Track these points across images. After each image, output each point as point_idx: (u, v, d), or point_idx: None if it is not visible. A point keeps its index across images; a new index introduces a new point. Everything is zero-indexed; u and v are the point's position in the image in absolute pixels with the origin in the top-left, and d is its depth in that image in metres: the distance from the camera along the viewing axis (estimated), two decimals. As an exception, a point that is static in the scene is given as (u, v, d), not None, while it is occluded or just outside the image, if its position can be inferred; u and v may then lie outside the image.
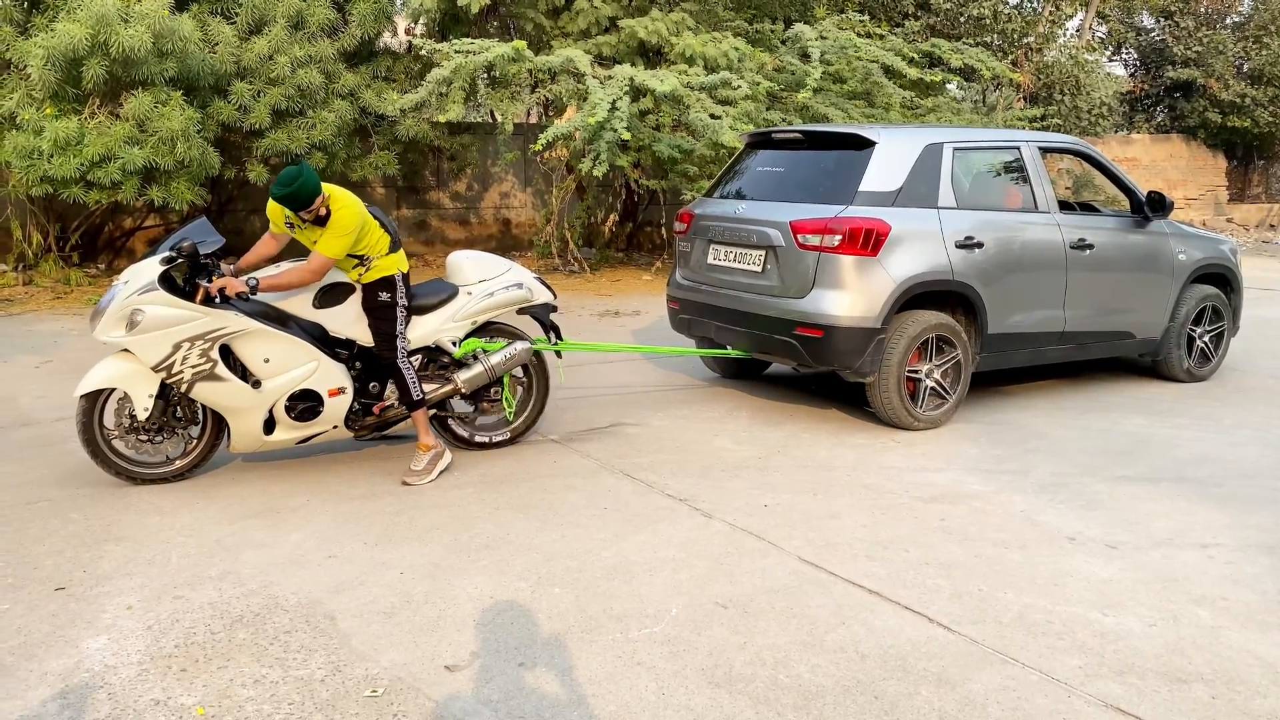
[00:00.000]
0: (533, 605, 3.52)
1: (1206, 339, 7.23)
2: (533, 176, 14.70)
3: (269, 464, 5.07)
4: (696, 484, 4.83)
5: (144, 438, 4.67)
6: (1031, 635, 3.34)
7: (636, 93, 10.64)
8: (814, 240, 5.64)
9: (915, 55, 12.73)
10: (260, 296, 4.61)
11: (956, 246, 5.82)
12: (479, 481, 4.85)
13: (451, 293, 5.13)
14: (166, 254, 4.48)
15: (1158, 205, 6.76)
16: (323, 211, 4.52)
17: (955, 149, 6.03)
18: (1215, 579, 3.82)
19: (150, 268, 4.48)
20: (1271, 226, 21.92)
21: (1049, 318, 6.27)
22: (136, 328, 4.42)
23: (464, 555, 3.95)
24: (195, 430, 4.79)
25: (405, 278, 4.86)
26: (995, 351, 6.13)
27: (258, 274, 4.63)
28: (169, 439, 4.74)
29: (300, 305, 4.75)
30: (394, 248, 4.81)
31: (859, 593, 3.66)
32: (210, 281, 4.48)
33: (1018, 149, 6.37)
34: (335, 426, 4.86)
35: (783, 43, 13.01)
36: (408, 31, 13.35)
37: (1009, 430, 5.89)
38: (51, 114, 9.17)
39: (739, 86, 10.59)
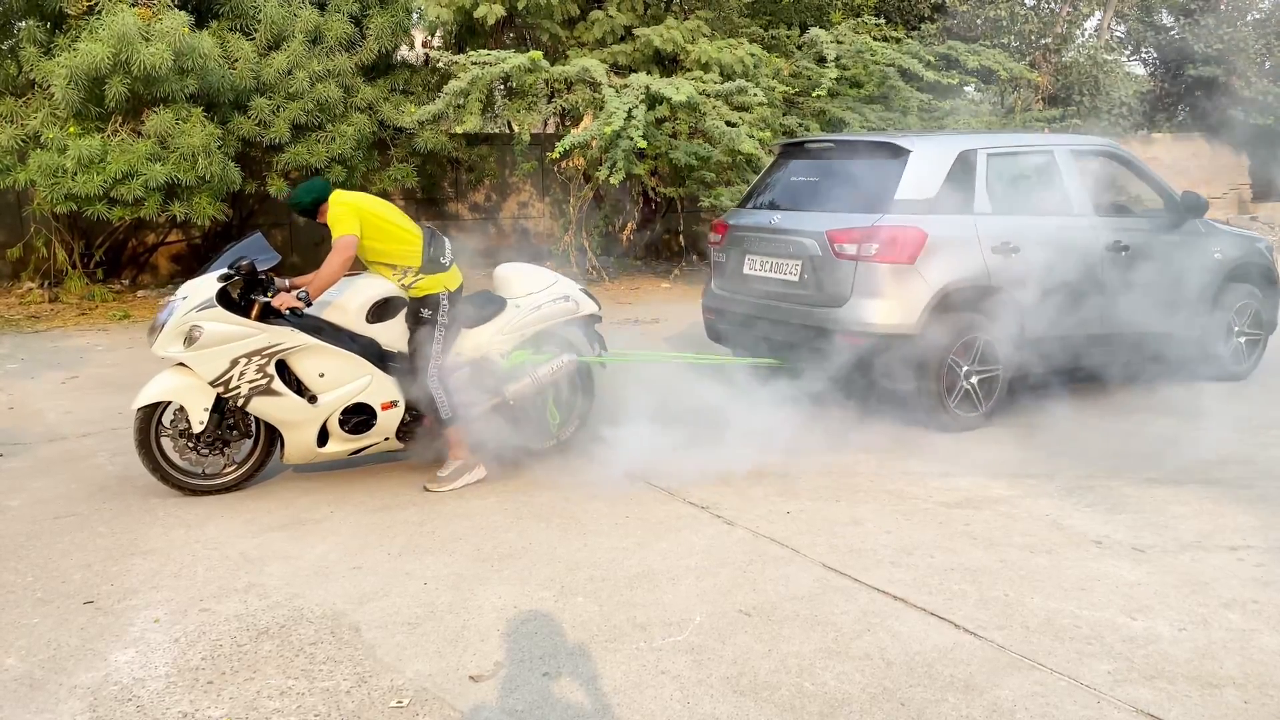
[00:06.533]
0: (556, 615, 3.52)
1: (1244, 337, 7.20)
2: (550, 186, 14.75)
3: (293, 476, 5.09)
4: (718, 491, 4.81)
5: (199, 450, 4.75)
6: (1059, 640, 3.31)
7: (653, 101, 10.66)
8: (851, 249, 5.68)
9: (932, 58, 12.70)
10: (313, 311, 4.65)
11: (993, 251, 5.84)
12: (501, 491, 4.85)
13: (500, 306, 5.19)
14: (224, 271, 4.57)
15: (1193, 205, 6.75)
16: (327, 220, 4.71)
17: (989, 154, 6.05)
18: (1245, 582, 3.77)
19: (208, 284, 4.57)
20: (1298, 224, 21.66)
21: (1086, 320, 6.22)
22: (195, 343, 4.50)
23: (487, 565, 3.96)
24: (248, 442, 4.85)
25: (452, 296, 4.90)
26: (1033, 355, 6.11)
27: (298, 281, 4.75)
28: (223, 451, 4.81)
29: (354, 320, 4.81)
30: (440, 267, 4.87)
31: (884, 599, 3.64)
32: (267, 296, 4.56)
33: (1051, 153, 6.38)
34: (387, 439, 4.91)
35: (799, 48, 13.00)
36: (425, 44, 13.44)
37: (1033, 433, 5.84)
38: (75, 132, 9.28)
39: (755, 94, 10.59)
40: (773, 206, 6.43)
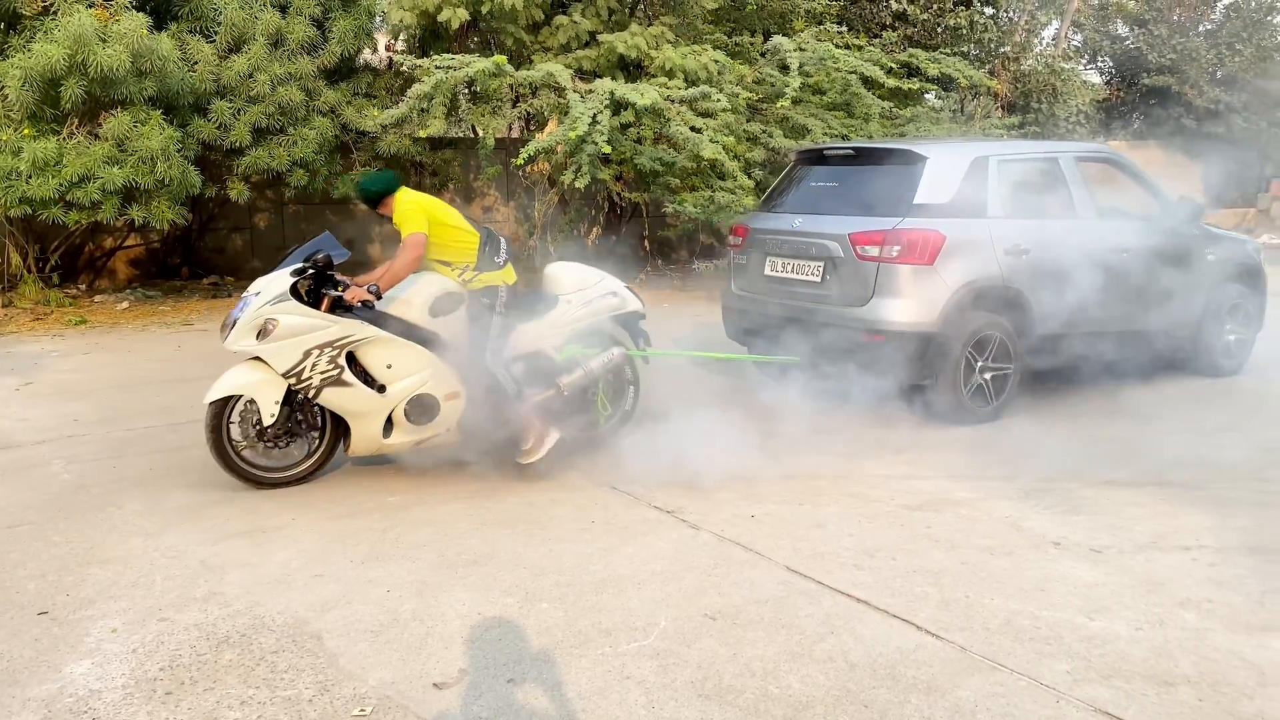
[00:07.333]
0: (521, 621, 3.51)
1: (1234, 334, 7.49)
2: (515, 190, 14.71)
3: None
4: (684, 495, 4.82)
5: (269, 443, 4.86)
6: (1019, 641, 3.35)
7: (617, 106, 10.67)
8: (873, 251, 5.96)
9: (893, 65, 12.82)
10: (378, 305, 4.82)
11: (1005, 253, 6.14)
12: (466, 497, 4.83)
13: (552, 302, 5.41)
14: (298, 265, 4.75)
15: (1188, 210, 7.08)
16: (393, 214, 4.95)
17: (1000, 161, 6.34)
18: (1199, 581, 3.84)
19: (281, 279, 4.74)
20: (1248, 230, 22.12)
21: (1090, 318, 6.48)
22: (269, 336, 4.65)
23: (451, 571, 3.94)
24: (315, 435, 4.98)
25: (510, 289, 5.17)
26: (1042, 351, 6.40)
27: (361, 279, 4.92)
28: (292, 444, 4.94)
29: (418, 314, 4.96)
30: (495, 266, 5.09)
31: (847, 602, 3.67)
32: (336, 290, 4.73)
33: (1056, 159, 6.68)
34: (448, 430, 5.04)
35: (762, 55, 13.08)
36: (388, 48, 13.35)
37: (994, 436, 5.92)
38: (29, 135, 9.12)
39: (718, 100, 10.64)
40: (793, 210, 6.71)
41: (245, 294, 4.86)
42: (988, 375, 6.17)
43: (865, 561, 4.03)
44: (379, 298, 4.73)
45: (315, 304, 4.74)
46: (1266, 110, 21.98)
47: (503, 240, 5.22)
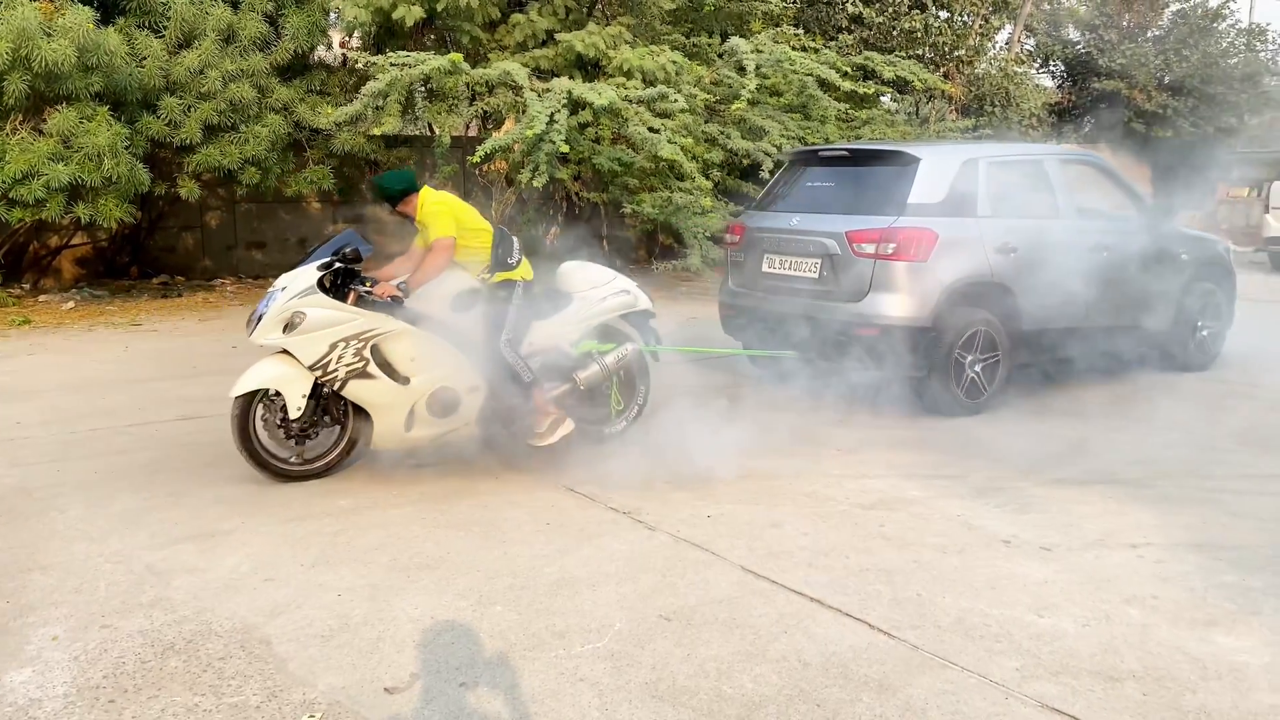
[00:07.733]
0: (474, 624, 3.48)
1: (1205, 330, 7.75)
2: (472, 189, 14.61)
3: (203, 486, 4.94)
4: (639, 496, 4.82)
5: (294, 436, 4.92)
6: (969, 639, 3.38)
7: (575, 105, 10.65)
8: (869, 248, 6.15)
9: (849, 68, 12.92)
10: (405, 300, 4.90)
11: (995, 251, 6.35)
12: (419, 500, 4.79)
13: (567, 299, 5.54)
14: (326, 259, 4.82)
15: (1162, 211, 7.39)
16: (416, 214, 5.04)
17: (989, 163, 6.56)
18: (1145, 578, 3.91)
19: (308, 274, 4.81)
20: (1195, 232, 22.56)
21: (1073, 314, 6.71)
22: (296, 329, 4.73)
23: (404, 575, 3.90)
24: (338, 429, 5.05)
25: (526, 285, 5.24)
26: (1029, 346, 6.61)
27: (382, 274, 5.05)
28: (316, 437, 5.01)
29: (438, 308, 5.04)
30: (508, 266, 5.14)
31: (801, 601, 3.68)
32: (362, 285, 4.85)
33: (1042, 162, 6.92)
34: (468, 423, 5.13)
35: (719, 56, 13.11)
36: (342, 45, 13.21)
37: (947, 436, 5.98)
38: (-29, 130, 8.91)
39: (676, 100, 10.65)
40: (790, 209, 6.86)
41: (271, 289, 4.91)
42: (978, 369, 6.35)
43: (819, 561, 4.05)
44: (407, 295, 4.81)
45: (340, 298, 4.80)
46: (1213, 115, 22.48)
47: (515, 240, 5.27)
